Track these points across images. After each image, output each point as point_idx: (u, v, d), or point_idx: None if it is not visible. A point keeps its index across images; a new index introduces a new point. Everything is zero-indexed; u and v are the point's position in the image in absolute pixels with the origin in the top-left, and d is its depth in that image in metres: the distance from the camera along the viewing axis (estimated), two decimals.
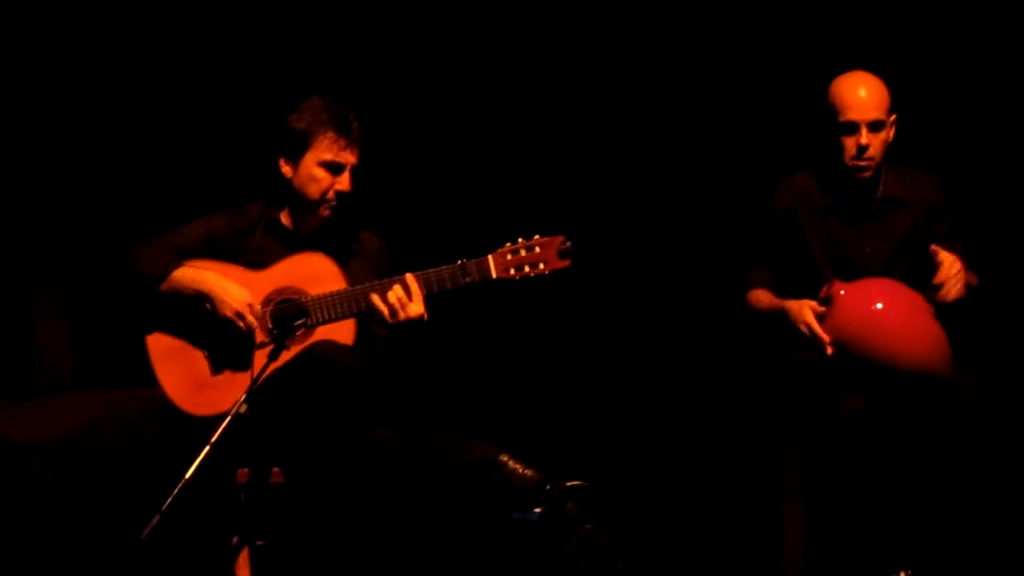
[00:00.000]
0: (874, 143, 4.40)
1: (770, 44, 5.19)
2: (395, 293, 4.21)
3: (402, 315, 4.20)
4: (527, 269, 4.24)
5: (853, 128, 4.39)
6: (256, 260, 4.41)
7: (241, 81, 5.16)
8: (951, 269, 4.28)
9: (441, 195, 5.25)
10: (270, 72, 5.14)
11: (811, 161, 4.56)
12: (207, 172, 5.13)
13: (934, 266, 4.30)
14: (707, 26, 5.22)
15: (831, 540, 4.38)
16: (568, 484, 4.04)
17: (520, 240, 4.25)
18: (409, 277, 4.23)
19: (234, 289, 4.29)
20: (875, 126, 4.40)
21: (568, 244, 4.24)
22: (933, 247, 4.33)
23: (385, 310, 4.21)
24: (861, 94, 4.39)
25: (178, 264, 4.34)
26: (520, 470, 4.05)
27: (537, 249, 4.24)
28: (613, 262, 5.18)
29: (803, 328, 4.33)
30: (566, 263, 4.24)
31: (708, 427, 5.17)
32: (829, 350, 4.29)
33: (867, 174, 4.44)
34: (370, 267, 4.47)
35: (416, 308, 4.21)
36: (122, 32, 5.12)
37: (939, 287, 4.28)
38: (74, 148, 5.12)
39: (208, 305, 4.29)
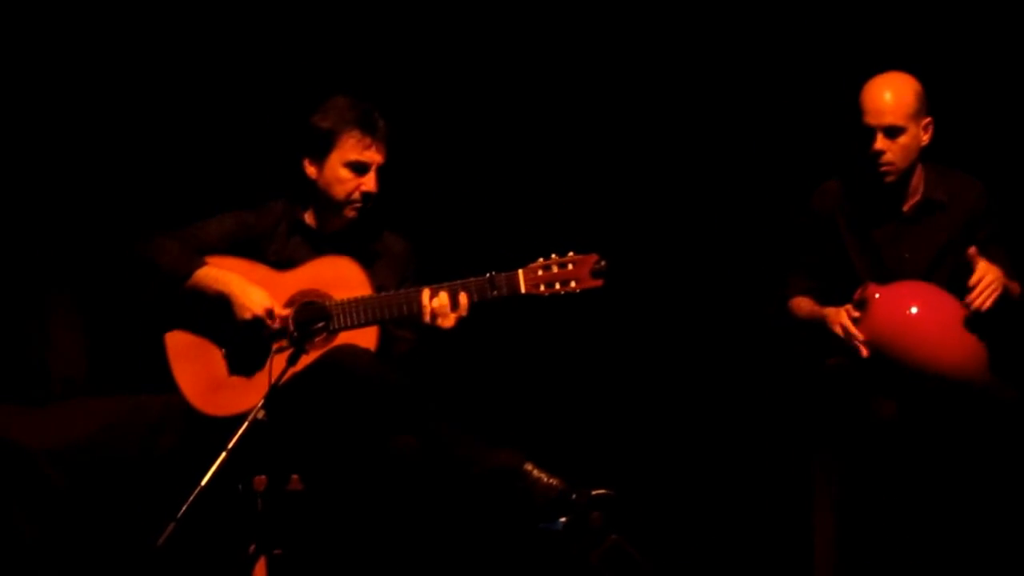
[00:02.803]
0: (891, 149, 4.36)
1: (807, 54, 5.17)
2: (440, 299, 4.14)
3: (441, 323, 4.13)
4: (557, 286, 4.16)
5: (870, 133, 4.36)
6: (281, 260, 4.37)
7: (265, 81, 5.16)
8: (986, 276, 4.22)
9: (476, 206, 5.22)
10: (295, 73, 5.13)
11: (844, 167, 4.52)
12: (229, 173, 5.11)
13: (971, 271, 4.24)
14: (743, 40, 5.21)
15: (862, 549, 4.33)
16: (594, 493, 3.99)
17: (553, 256, 4.18)
18: (463, 295, 4.15)
19: (255, 294, 4.23)
20: (891, 131, 4.36)
21: (603, 263, 4.15)
22: (971, 251, 4.27)
23: (427, 314, 4.15)
24: (879, 99, 4.36)
25: (201, 263, 4.27)
26: (545, 479, 4.00)
27: (570, 266, 4.16)
28: (642, 266, 5.14)
29: (838, 330, 4.30)
30: (599, 283, 4.16)
31: (739, 434, 5.14)
32: (864, 351, 4.25)
33: (890, 179, 4.40)
34: (394, 269, 4.44)
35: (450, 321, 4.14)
36: (142, 30, 5.11)
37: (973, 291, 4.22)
38: (90, 150, 5.11)
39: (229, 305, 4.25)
